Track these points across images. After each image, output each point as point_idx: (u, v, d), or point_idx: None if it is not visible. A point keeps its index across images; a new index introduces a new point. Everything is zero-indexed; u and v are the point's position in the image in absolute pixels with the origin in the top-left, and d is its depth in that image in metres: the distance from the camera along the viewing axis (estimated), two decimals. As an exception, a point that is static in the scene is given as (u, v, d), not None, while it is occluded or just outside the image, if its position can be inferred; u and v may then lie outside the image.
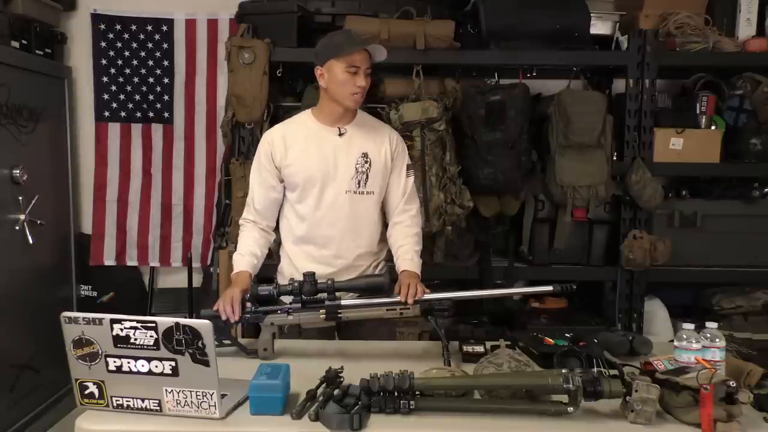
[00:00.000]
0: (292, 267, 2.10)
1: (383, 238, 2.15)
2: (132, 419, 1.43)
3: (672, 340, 1.70)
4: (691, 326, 1.63)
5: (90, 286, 3.46)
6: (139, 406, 1.44)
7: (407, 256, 2.03)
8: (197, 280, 3.35)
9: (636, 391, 1.39)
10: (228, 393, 1.49)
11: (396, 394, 1.44)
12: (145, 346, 1.39)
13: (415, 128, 2.80)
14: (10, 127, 2.81)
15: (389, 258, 2.20)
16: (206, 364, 1.38)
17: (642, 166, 2.90)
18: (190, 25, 3.35)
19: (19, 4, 2.90)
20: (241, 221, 2.15)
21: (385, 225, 2.16)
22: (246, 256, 2.05)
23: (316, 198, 2.04)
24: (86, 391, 1.45)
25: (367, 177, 2.05)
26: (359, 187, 2.04)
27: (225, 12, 3.31)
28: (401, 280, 1.92)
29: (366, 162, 2.04)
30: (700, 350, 1.59)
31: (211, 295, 3.16)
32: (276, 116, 3.02)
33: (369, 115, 2.21)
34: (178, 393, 1.42)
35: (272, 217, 2.14)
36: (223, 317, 1.86)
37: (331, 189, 2.03)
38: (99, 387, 1.44)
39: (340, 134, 2.06)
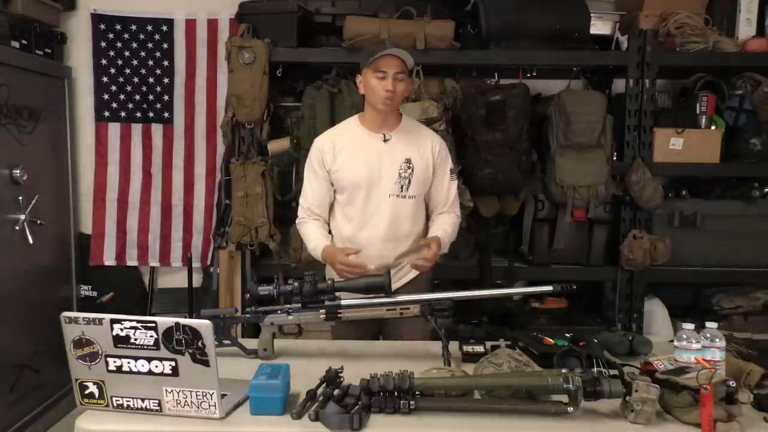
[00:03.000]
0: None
1: (421, 237, 2.23)
2: (132, 419, 1.43)
3: (672, 340, 1.70)
4: (691, 326, 1.63)
5: (90, 286, 3.46)
6: (139, 406, 1.44)
7: (439, 227, 2.19)
8: (197, 280, 3.35)
9: (636, 391, 1.39)
10: (228, 393, 1.49)
11: (396, 394, 1.44)
12: (145, 346, 1.39)
13: (415, 128, 2.80)
14: (10, 127, 2.81)
15: None
16: (206, 364, 1.38)
17: (642, 166, 2.90)
18: (190, 25, 3.35)
19: (19, 4, 2.90)
20: (298, 221, 2.27)
21: (425, 223, 2.26)
22: (319, 238, 2.17)
23: (362, 201, 2.15)
24: (86, 391, 1.45)
25: (409, 182, 2.15)
26: (402, 191, 2.15)
27: (225, 12, 3.31)
28: (427, 240, 2.10)
29: (409, 168, 2.15)
30: (700, 350, 1.59)
31: (211, 295, 3.17)
32: (276, 116, 3.03)
33: (414, 121, 2.32)
34: (178, 393, 1.42)
35: (326, 214, 2.25)
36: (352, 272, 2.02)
37: (376, 193, 2.14)
38: (99, 387, 1.44)
39: (385, 140, 2.17)
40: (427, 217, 2.28)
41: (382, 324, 2.24)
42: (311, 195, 2.22)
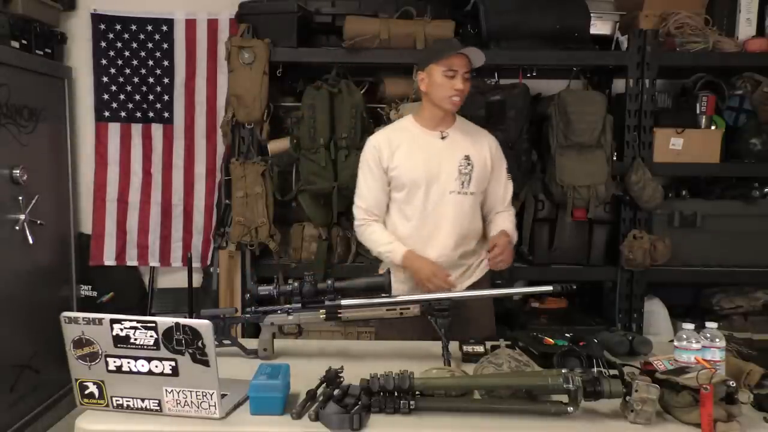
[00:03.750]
0: (395, 266, 2.13)
1: (481, 238, 2.23)
2: (132, 419, 1.43)
3: (672, 340, 1.70)
4: (691, 326, 1.63)
5: (90, 286, 3.46)
6: (139, 406, 1.44)
7: (502, 222, 2.19)
8: (197, 280, 3.35)
9: (636, 391, 1.39)
10: (228, 393, 1.49)
11: (396, 394, 1.44)
12: (145, 346, 1.39)
13: (415, 128, 2.80)
14: (10, 127, 2.81)
15: None
16: (206, 364, 1.38)
17: (642, 166, 2.90)
18: (190, 25, 3.35)
19: (19, 4, 2.90)
20: (357, 223, 2.22)
21: (482, 223, 2.26)
22: (395, 242, 2.13)
23: (422, 199, 2.13)
24: (86, 391, 1.45)
25: (470, 178, 2.14)
26: (463, 187, 2.13)
27: (225, 12, 3.31)
28: (494, 238, 2.08)
29: (469, 164, 2.14)
30: (700, 350, 1.59)
31: (211, 295, 3.16)
32: (276, 116, 3.03)
33: (468, 121, 2.29)
34: (178, 393, 1.42)
35: (384, 214, 2.23)
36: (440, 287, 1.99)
37: (436, 190, 2.12)
38: (99, 387, 1.44)
39: (443, 137, 2.15)
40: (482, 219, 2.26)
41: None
42: (368, 194, 2.19)
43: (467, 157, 2.13)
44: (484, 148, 2.18)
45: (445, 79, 2.05)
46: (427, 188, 2.11)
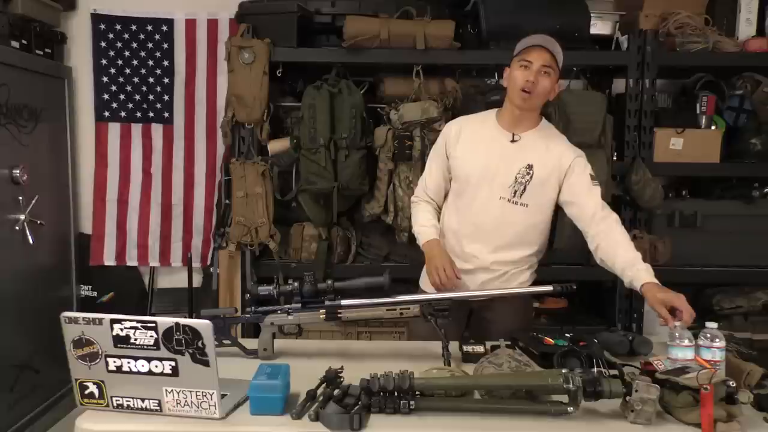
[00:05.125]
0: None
1: (533, 253, 2.16)
2: (132, 419, 1.43)
3: (672, 340, 1.70)
4: (679, 322, 1.64)
5: (90, 286, 3.46)
6: (139, 406, 1.44)
7: (642, 266, 1.87)
8: (197, 280, 3.35)
9: (636, 391, 1.39)
10: (228, 393, 1.48)
11: (396, 394, 1.43)
12: (145, 346, 1.39)
13: (415, 128, 2.81)
14: (10, 127, 2.81)
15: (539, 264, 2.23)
16: (206, 364, 1.38)
17: (642, 166, 2.90)
18: (190, 25, 3.35)
19: (19, 4, 2.90)
20: (413, 198, 2.26)
21: (540, 242, 2.17)
22: (428, 227, 2.14)
23: (470, 196, 2.08)
24: (86, 391, 1.45)
25: (524, 189, 2.04)
26: (514, 196, 2.04)
27: (225, 12, 3.31)
28: (663, 297, 1.76)
29: (528, 174, 2.03)
30: (692, 347, 1.59)
31: (211, 295, 3.16)
32: (276, 116, 3.03)
33: (553, 129, 2.17)
34: (178, 393, 1.42)
35: (440, 199, 2.21)
36: (441, 281, 1.98)
37: (486, 192, 2.06)
38: (99, 387, 1.44)
39: (513, 140, 2.06)
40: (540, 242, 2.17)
41: (471, 315, 2.20)
42: (428, 176, 2.20)
43: (529, 166, 2.02)
44: (552, 160, 2.04)
45: (519, 71, 1.98)
46: (478, 187, 2.06)
